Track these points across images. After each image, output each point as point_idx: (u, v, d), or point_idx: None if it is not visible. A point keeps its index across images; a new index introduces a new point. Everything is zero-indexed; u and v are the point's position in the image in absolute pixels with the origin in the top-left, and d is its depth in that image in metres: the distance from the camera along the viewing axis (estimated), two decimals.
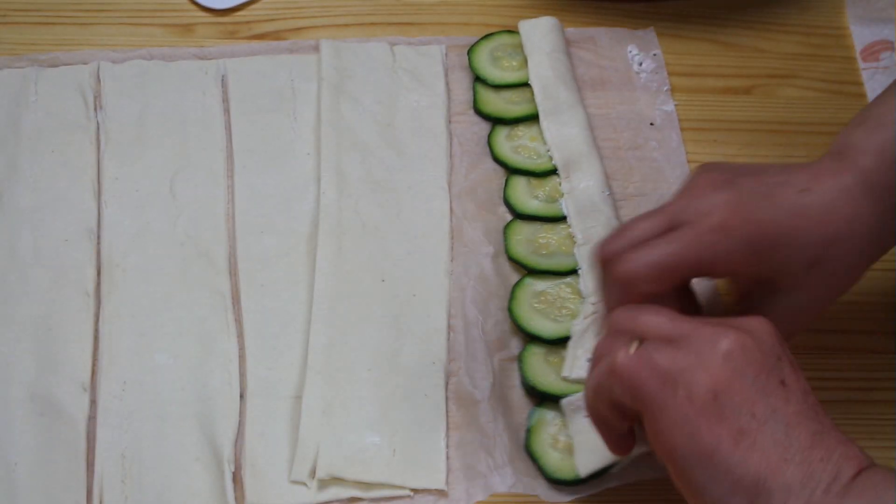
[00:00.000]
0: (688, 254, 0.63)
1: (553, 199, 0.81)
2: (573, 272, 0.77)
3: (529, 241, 0.79)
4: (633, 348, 0.58)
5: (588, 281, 0.76)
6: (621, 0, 0.93)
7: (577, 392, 0.71)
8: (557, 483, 0.70)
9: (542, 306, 0.76)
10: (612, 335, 0.60)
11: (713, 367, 0.55)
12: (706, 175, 0.65)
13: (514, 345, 0.76)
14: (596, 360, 0.61)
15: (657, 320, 0.58)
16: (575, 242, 0.79)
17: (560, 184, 0.82)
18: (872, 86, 0.90)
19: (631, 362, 0.57)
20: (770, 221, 0.63)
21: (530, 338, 0.75)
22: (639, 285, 0.63)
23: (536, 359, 0.74)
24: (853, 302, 0.76)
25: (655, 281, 0.63)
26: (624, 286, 0.63)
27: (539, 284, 0.77)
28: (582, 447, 0.69)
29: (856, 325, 0.78)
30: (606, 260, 0.64)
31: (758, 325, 0.57)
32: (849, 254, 0.64)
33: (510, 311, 0.76)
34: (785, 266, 0.64)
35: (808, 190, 0.64)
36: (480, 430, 0.72)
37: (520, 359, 0.74)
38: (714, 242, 0.63)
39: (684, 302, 0.66)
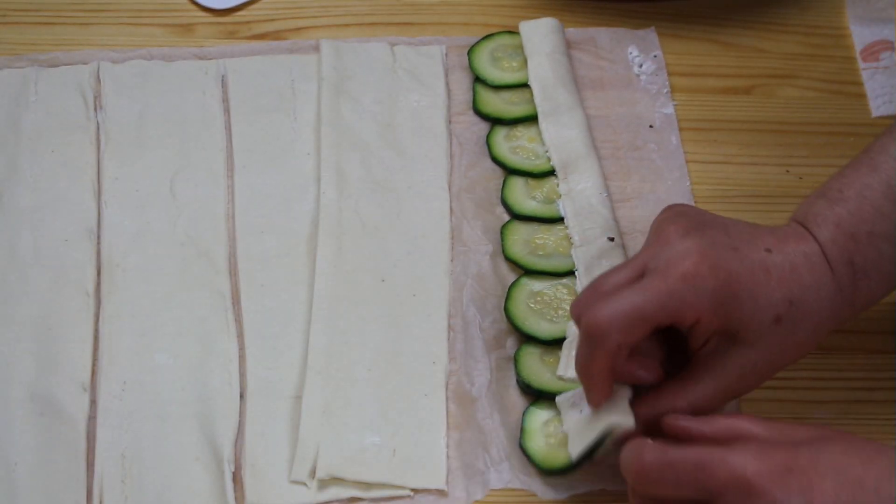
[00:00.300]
0: (656, 302, 0.62)
1: (551, 200, 0.81)
2: (570, 273, 0.77)
3: (526, 242, 0.79)
4: None
5: (586, 282, 0.76)
6: (621, 0, 0.93)
7: (571, 389, 0.71)
8: (551, 474, 0.70)
9: (538, 307, 0.76)
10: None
11: None
12: (674, 223, 0.65)
13: (510, 344, 0.76)
14: None
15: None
16: (572, 244, 0.79)
17: (558, 185, 0.82)
18: (872, 86, 0.90)
19: None
20: (737, 273, 0.63)
21: (526, 337, 0.75)
22: (609, 337, 0.62)
23: (532, 358, 0.74)
24: None
25: (624, 331, 0.63)
26: (594, 339, 0.63)
27: (535, 285, 0.77)
28: (574, 436, 0.69)
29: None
30: (577, 315, 0.64)
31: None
32: (810, 316, 0.65)
33: (506, 310, 0.76)
34: (749, 320, 0.64)
35: (772, 251, 0.65)
36: (478, 428, 0.72)
37: (515, 358, 0.74)
38: (682, 290, 0.63)
39: (655, 350, 0.67)
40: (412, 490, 0.70)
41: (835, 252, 0.65)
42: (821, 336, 0.67)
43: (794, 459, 0.58)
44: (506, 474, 0.70)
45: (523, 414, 0.73)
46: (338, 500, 0.70)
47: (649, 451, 0.61)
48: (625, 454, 0.62)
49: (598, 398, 0.66)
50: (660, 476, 0.60)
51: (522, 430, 0.72)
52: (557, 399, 0.71)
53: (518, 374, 0.73)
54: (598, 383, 0.65)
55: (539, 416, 0.72)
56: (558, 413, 0.71)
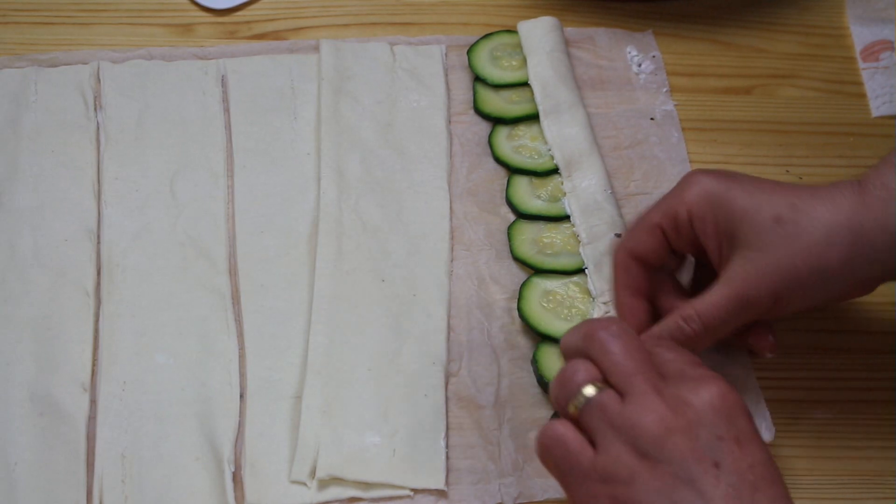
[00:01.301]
0: (654, 206, 0.70)
1: (555, 199, 0.81)
2: (580, 271, 0.77)
3: (534, 241, 0.79)
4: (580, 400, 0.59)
5: (596, 280, 0.76)
6: (621, 0, 0.93)
7: None
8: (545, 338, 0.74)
9: (551, 306, 0.76)
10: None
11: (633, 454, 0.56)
12: (705, 171, 0.69)
13: (524, 344, 0.76)
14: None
15: (616, 361, 0.59)
16: (580, 241, 0.79)
17: (562, 183, 0.82)
18: (872, 86, 0.90)
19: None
20: (736, 177, 0.68)
21: (542, 337, 0.75)
22: (621, 247, 0.71)
23: (551, 357, 0.74)
24: (853, 302, 0.76)
25: (632, 239, 0.70)
26: (613, 257, 0.72)
27: (547, 284, 0.77)
28: None
29: (855, 325, 0.78)
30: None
31: (704, 395, 0.57)
32: (819, 219, 0.64)
33: (520, 310, 0.76)
34: (744, 216, 0.65)
35: (801, 185, 0.68)
36: (484, 436, 0.72)
37: (534, 359, 0.74)
38: (676, 190, 0.69)
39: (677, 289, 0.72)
40: (412, 490, 0.70)
41: (875, 176, 0.65)
42: (835, 249, 0.64)
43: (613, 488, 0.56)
44: (513, 489, 0.70)
45: (522, 285, 0.76)
46: (338, 500, 0.70)
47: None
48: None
49: (622, 311, 0.71)
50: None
51: (520, 296, 0.76)
52: None
53: (539, 374, 0.73)
54: (619, 296, 0.71)
55: (539, 286, 0.75)
56: (557, 285, 0.76)
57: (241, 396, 0.73)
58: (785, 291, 0.65)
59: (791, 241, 0.64)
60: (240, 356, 0.75)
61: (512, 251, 0.79)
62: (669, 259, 0.72)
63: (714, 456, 0.55)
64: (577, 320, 0.75)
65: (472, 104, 0.87)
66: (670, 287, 0.72)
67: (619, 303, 0.72)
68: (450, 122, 0.86)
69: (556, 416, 0.71)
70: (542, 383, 0.73)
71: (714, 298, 0.66)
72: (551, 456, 0.59)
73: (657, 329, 0.68)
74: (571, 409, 0.59)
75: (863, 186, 0.65)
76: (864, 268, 0.65)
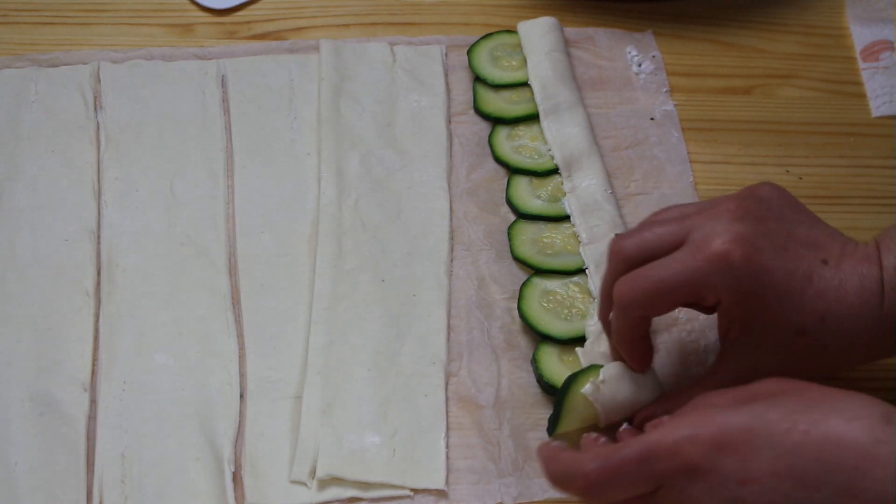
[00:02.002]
0: (679, 279, 0.63)
1: (556, 199, 0.81)
2: (580, 272, 0.77)
3: (534, 241, 0.79)
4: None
5: (597, 280, 0.76)
6: (621, 0, 0.93)
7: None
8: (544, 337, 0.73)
9: (551, 306, 0.76)
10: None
11: None
12: (741, 201, 0.64)
13: (524, 344, 0.76)
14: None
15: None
16: (580, 241, 0.79)
17: (562, 183, 0.82)
18: (872, 86, 0.90)
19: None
20: (771, 270, 0.62)
21: (542, 337, 0.75)
22: (631, 309, 0.65)
23: (551, 358, 0.74)
24: None
25: (647, 305, 0.65)
26: (621, 309, 0.65)
27: (547, 284, 0.77)
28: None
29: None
30: (613, 254, 0.66)
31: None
32: (843, 336, 0.63)
33: (520, 310, 0.76)
34: (771, 324, 0.63)
35: (828, 263, 0.63)
36: (484, 437, 0.72)
37: (534, 359, 0.74)
38: (707, 270, 0.62)
39: None
40: (412, 490, 0.70)
41: (893, 278, 0.62)
42: (854, 359, 0.65)
43: (726, 433, 0.56)
44: (513, 489, 0.70)
45: (522, 285, 0.76)
46: (338, 500, 0.69)
47: (588, 461, 0.59)
48: (558, 470, 0.61)
49: (630, 359, 0.68)
50: (609, 483, 0.59)
51: (520, 296, 0.76)
52: (579, 350, 0.73)
53: (539, 374, 0.73)
54: (627, 347, 0.68)
55: (539, 286, 0.76)
56: (557, 285, 0.76)
57: (241, 396, 0.73)
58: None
59: (811, 355, 0.64)
60: (240, 356, 0.75)
61: (512, 251, 0.79)
62: None
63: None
64: (576, 320, 0.75)
65: (472, 104, 0.87)
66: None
67: (628, 348, 0.69)
68: (450, 122, 0.86)
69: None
70: (542, 383, 0.73)
71: (717, 380, 0.66)
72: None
73: (649, 412, 0.67)
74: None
75: (885, 281, 0.63)
76: (873, 355, 0.65)
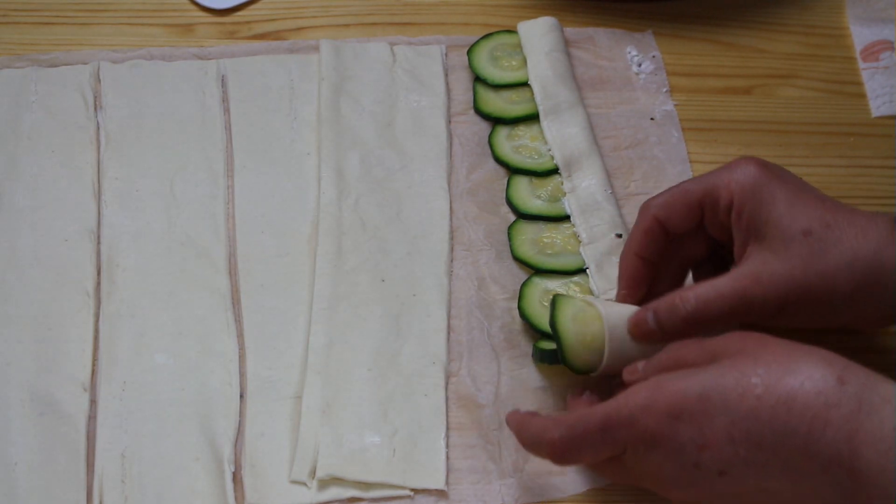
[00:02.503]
0: (696, 180, 0.69)
1: (556, 199, 0.81)
2: (581, 271, 0.77)
3: (534, 242, 0.79)
4: None
5: (598, 280, 0.76)
6: (621, 0, 0.93)
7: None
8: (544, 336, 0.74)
9: None
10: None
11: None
12: (753, 159, 0.69)
13: (524, 344, 0.76)
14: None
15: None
16: (580, 241, 0.79)
17: (562, 183, 0.82)
18: (872, 86, 0.90)
19: None
20: (783, 179, 0.67)
21: (542, 336, 0.75)
22: (648, 208, 0.70)
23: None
24: None
25: (664, 207, 0.69)
26: (639, 215, 0.71)
27: (547, 283, 0.77)
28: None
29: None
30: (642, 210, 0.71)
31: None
32: (846, 246, 0.64)
33: (520, 309, 0.76)
34: (778, 221, 0.65)
35: (843, 204, 0.67)
36: (485, 437, 0.72)
37: (533, 354, 0.75)
38: (722, 171, 0.68)
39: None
40: (412, 490, 0.70)
41: None
42: (854, 277, 0.64)
43: (682, 401, 0.58)
44: (515, 489, 0.70)
45: (522, 285, 0.76)
46: (338, 500, 0.69)
47: (554, 429, 0.62)
48: (528, 437, 0.65)
49: (624, 280, 0.71)
50: (575, 449, 0.62)
51: (521, 295, 0.76)
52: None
53: (539, 348, 0.74)
54: (630, 262, 0.70)
55: (539, 285, 0.76)
56: (557, 285, 0.77)
57: (241, 396, 0.73)
58: (792, 304, 0.65)
59: (813, 257, 0.64)
60: (240, 356, 0.75)
61: (512, 251, 0.79)
62: (690, 240, 0.71)
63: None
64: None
65: (472, 104, 0.87)
66: (676, 277, 0.72)
67: (626, 264, 0.71)
68: (450, 122, 0.86)
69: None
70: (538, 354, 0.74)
71: (718, 287, 0.66)
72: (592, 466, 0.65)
73: (655, 303, 0.68)
74: None
75: None
76: (875, 304, 0.66)
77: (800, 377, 0.56)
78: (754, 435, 0.56)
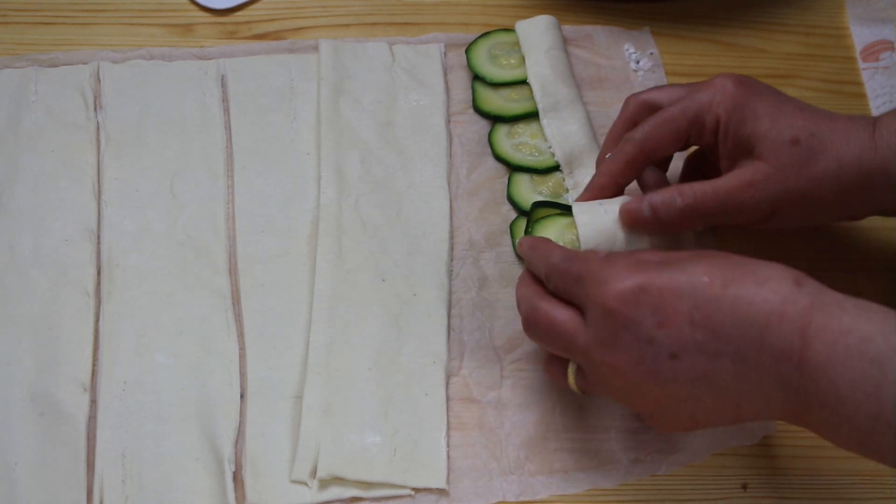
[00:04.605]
0: (691, 116, 0.71)
1: (557, 195, 0.81)
2: None
3: None
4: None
5: None
6: (621, 0, 0.93)
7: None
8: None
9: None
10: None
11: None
12: (730, 75, 0.71)
13: (525, 343, 0.76)
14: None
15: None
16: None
17: (563, 179, 0.82)
18: (872, 86, 0.90)
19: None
20: (764, 94, 0.70)
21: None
22: (636, 95, 0.74)
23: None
24: None
25: (650, 93, 0.74)
26: (625, 103, 0.76)
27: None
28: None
29: None
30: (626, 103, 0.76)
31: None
32: (833, 151, 0.68)
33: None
34: (765, 134, 0.69)
35: (821, 109, 0.70)
36: (485, 435, 0.72)
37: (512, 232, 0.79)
38: (706, 88, 0.71)
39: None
40: (413, 489, 0.70)
41: (886, 125, 0.69)
42: (840, 180, 0.69)
43: (650, 280, 0.61)
44: (515, 486, 0.70)
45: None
46: (339, 500, 0.70)
47: (558, 255, 0.66)
48: (534, 252, 0.68)
49: (602, 175, 0.73)
50: (559, 275, 0.65)
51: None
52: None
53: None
54: (602, 179, 0.73)
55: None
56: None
57: (242, 396, 0.73)
58: (784, 207, 0.70)
59: (802, 164, 0.68)
60: (240, 356, 0.75)
61: (514, 248, 0.79)
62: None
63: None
64: None
65: (471, 103, 0.87)
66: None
67: (600, 180, 0.74)
68: (449, 121, 0.86)
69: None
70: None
71: (716, 186, 0.70)
72: (544, 337, 0.66)
73: (649, 195, 0.71)
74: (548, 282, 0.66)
75: (876, 128, 0.68)
76: (861, 202, 0.70)
77: (761, 277, 0.59)
78: (714, 322, 0.59)
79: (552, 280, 0.66)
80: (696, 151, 0.79)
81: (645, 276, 0.61)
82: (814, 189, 0.69)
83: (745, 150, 0.70)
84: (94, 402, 0.72)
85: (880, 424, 0.56)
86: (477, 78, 0.87)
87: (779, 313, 0.58)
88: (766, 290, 0.59)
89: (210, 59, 0.87)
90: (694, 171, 0.79)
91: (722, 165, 0.72)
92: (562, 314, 0.65)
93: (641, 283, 0.61)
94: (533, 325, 0.67)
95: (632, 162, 0.72)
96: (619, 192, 0.73)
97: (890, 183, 0.68)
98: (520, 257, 0.80)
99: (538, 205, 0.77)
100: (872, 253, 0.81)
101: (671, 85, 0.74)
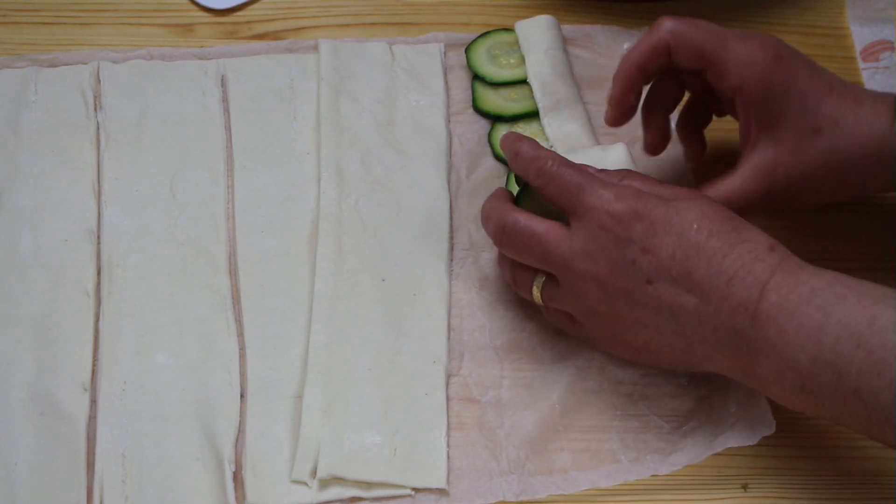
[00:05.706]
0: (717, 42, 0.72)
1: None
2: None
3: None
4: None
5: None
6: (622, 0, 0.93)
7: None
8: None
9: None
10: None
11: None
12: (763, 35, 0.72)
13: (525, 343, 0.76)
14: None
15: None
16: None
17: None
18: (872, 86, 0.90)
19: None
20: (797, 71, 0.70)
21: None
22: (662, 25, 0.74)
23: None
24: None
25: (676, 32, 0.73)
26: (651, 29, 0.75)
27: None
28: None
29: None
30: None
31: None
32: (854, 144, 0.69)
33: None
34: (790, 118, 0.70)
35: (846, 85, 0.71)
36: (485, 435, 0.72)
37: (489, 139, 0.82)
38: (741, 46, 0.70)
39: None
40: (413, 489, 0.70)
41: None
42: (860, 167, 0.70)
43: (648, 209, 0.65)
44: (516, 486, 0.70)
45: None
46: (339, 500, 0.70)
47: (555, 162, 0.69)
48: (526, 156, 0.70)
49: (619, 84, 0.75)
50: (549, 178, 0.68)
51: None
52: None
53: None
54: (627, 68, 0.75)
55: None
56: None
57: (242, 396, 0.73)
58: (803, 193, 0.72)
59: (824, 155, 0.70)
60: (240, 356, 0.75)
61: (494, 153, 0.82)
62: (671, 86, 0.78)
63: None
64: None
65: (471, 103, 0.87)
66: (661, 123, 0.79)
67: (625, 71, 0.75)
68: (449, 121, 0.86)
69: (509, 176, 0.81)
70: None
71: (735, 187, 0.72)
72: (522, 247, 0.69)
73: None
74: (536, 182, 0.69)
75: None
76: (878, 183, 0.72)
77: (743, 237, 0.64)
78: (691, 263, 0.64)
79: (548, 185, 0.68)
80: (688, 105, 0.80)
81: (643, 203, 0.65)
82: (831, 177, 0.71)
83: (765, 124, 0.71)
84: (94, 402, 0.72)
85: (819, 365, 0.59)
86: (477, 77, 0.87)
87: (747, 269, 0.63)
88: (742, 248, 0.63)
89: (210, 59, 0.87)
90: (688, 127, 0.81)
91: (740, 130, 0.73)
92: (541, 225, 0.68)
93: (639, 210, 0.65)
94: (510, 234, 0.69)
95: (656, 49, 0.74)
96: (640, 80, 0.75)
97: None
98: (500, 160, 0.83)
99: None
100: (872, 253, 0.81)
101: (707, 25, 0.73)
